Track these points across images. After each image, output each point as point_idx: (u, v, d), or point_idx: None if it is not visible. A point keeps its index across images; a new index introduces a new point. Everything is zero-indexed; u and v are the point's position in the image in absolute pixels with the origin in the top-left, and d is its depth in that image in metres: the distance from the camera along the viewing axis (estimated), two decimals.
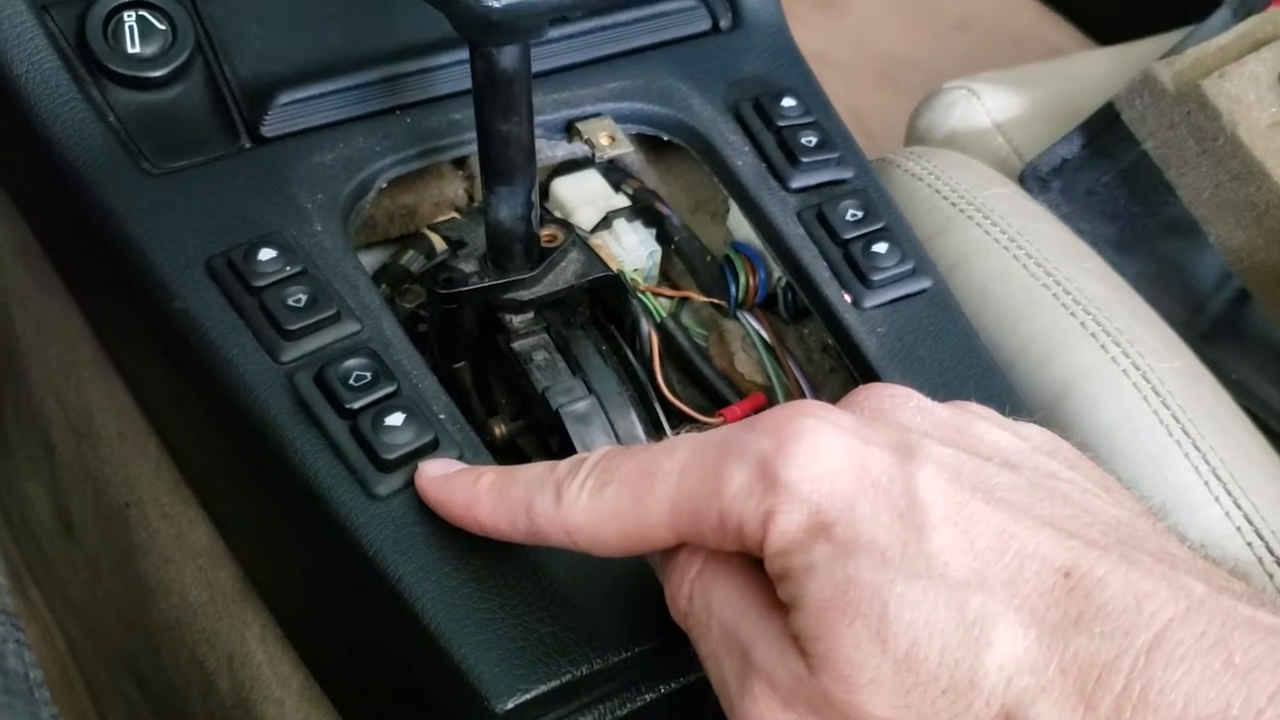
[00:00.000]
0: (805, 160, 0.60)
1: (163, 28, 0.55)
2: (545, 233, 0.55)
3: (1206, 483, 0.57)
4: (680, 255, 0.63)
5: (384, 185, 0.57)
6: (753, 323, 0.61)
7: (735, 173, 0.60)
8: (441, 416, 0.48)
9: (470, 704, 0.42)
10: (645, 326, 0.57)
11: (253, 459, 0.50)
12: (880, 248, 0.57)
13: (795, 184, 0.60)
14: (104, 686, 0.79)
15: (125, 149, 0.54)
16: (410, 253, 0.59)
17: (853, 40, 1.31)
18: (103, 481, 0.67)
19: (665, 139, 0.62)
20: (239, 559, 0.59)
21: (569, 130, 0.60)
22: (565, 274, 0.55)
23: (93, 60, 0.55)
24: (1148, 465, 0.58)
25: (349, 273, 0.52)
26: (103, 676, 0.79)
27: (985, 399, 0.42)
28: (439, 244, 0.59)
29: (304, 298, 0.49)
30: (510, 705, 0.42)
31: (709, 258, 0.63)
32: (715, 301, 0.62)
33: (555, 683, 0.43)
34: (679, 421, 0.57)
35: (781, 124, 0.61)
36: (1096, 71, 0.86)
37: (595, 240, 0.61)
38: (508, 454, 0.54)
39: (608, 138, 0.59)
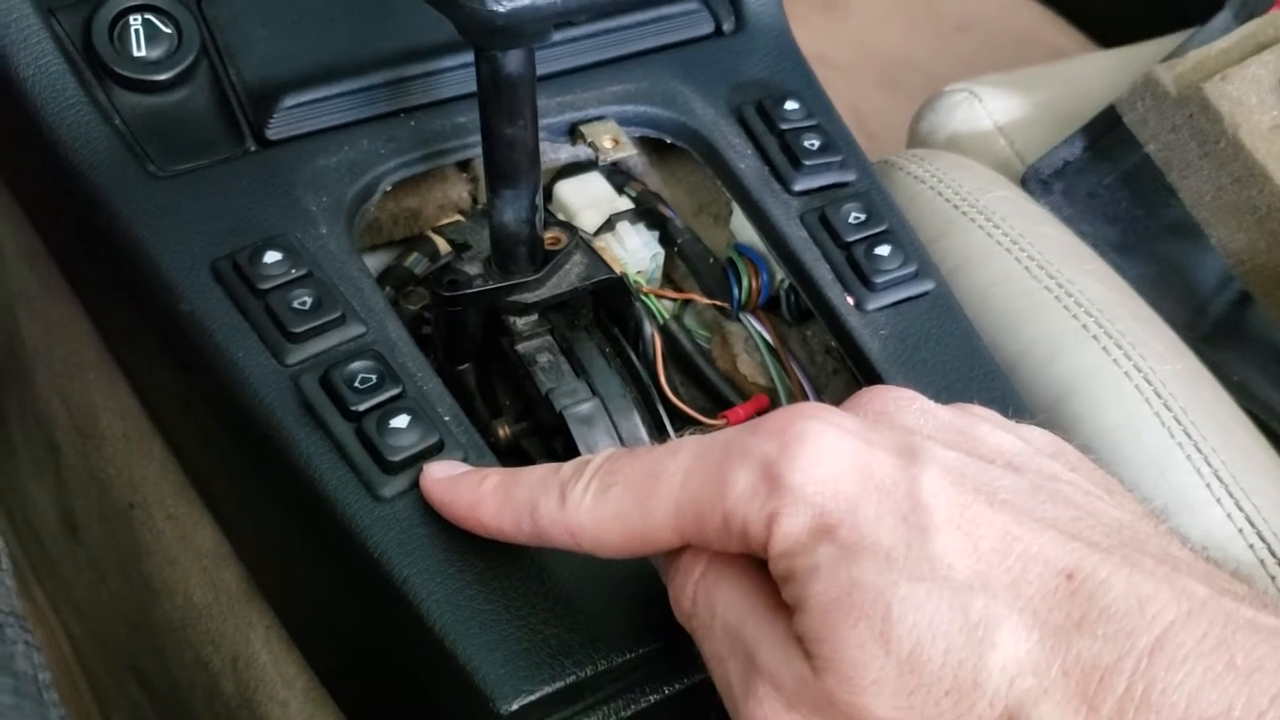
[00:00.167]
0: (808, 163, 0.60)
1: (168, 31, 0.56)
2: (549, 235, 0.55)
3: (1208, 485, 0.57)
4: (683, 257, 0.63)
5: (388, 188, 0.57)
6: (755, 325, 0.61)
7: (738, 175, 0.60)
8: (446, 418, 0.48)
9: (475, 705, 0.43)
10: (648, 329, 0.57)
11: (258, 461, 0.50)
12: (883, 250, 0.57)
13: (798, 187, 0.60)
14: (108, 687, 0.79)
15: (131, 152, 0.54)
16: (415, 255, 0.59)
17: (854, 42, 1.31)
18: (107, 482, 0.67)
19: (668, 142, 0.62)
20: (244, 560, 0.59)
21: (573, 133, 0.60)
22: (569, 276, 0.55)
23: (99, 63, 0.55)
24: (1150, 467, 0.58)
25: (354, 275, 0.52)
26: (107, 677, 0.79)
27: (988, 401, 0.42)
28: (443, 246, 0.59)
29: (309, 300, 0.50)
30: (515, 706, 0.42)
31: (712, 260, 0.63)
32: (718, 304, 0.62)
33: (560, 684, 0.43)
34: (682, 423, 0.57)
35: (784, 127, 0.61)
36: (1098, 74, 0.86)
37: (599, 243, 0.61)
38: (512, 456, 0.54)
39: (611, 141, 0.59)
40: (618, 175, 0.65)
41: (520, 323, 0.55)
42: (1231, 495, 0.57)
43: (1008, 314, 0.64)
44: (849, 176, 0.61)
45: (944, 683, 0.33)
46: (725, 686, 0.38)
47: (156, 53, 0.55)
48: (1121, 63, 0.87)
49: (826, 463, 0.36)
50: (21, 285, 0.70)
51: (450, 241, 0.59)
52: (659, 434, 0.55)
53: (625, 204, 0.63)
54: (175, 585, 0.63)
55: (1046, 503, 0.36)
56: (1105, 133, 0.78)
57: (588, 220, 0.62)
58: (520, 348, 0.54)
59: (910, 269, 0.57)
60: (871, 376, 0.55)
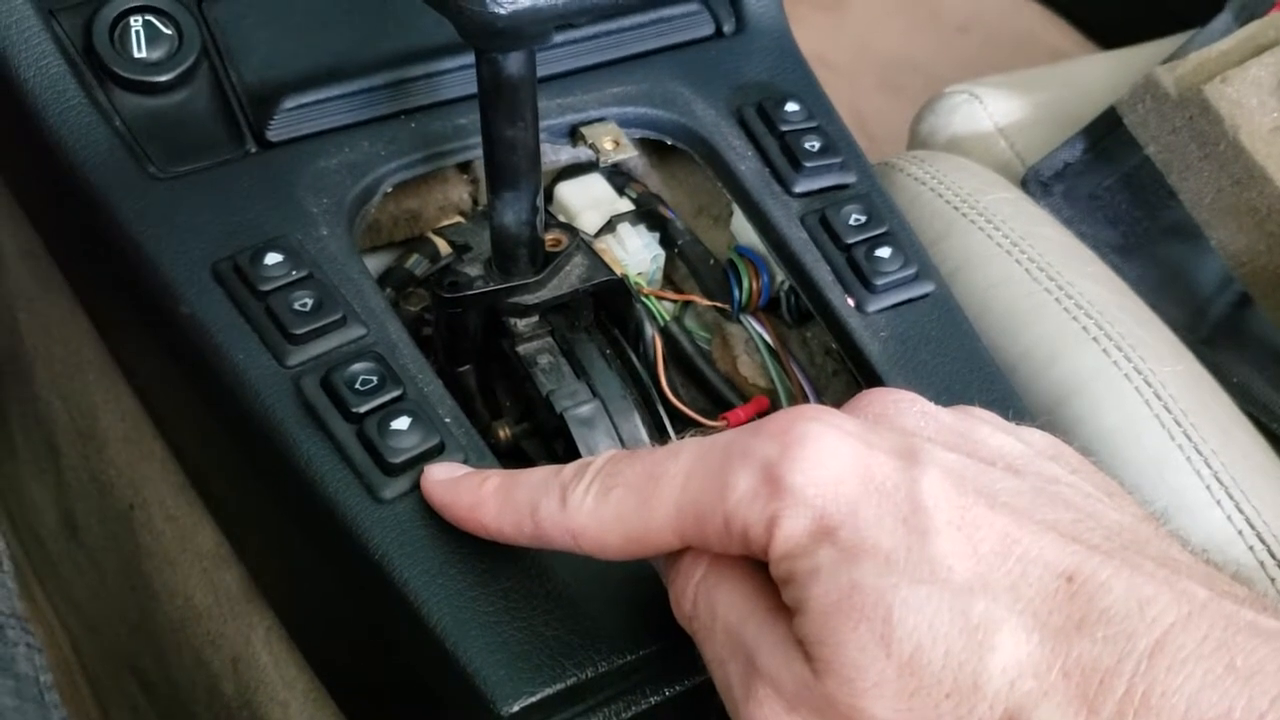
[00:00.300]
0: (808, 165, 0.60)
1: (169, 32, 0.56)
2: (549, 237, 0.55)
3: (1208, 486, 0.57)
4: (684, 259, 0.63)
5: (389, 189, 0.57)
6: (756, 326, 0.61)
7: (738, 177, 0.60)
8: (447, 420, 0.48)
9: (476, 706, 0.43)
10: (649, 330, 0.58)
11: (258, 462, 0.50)
12: (883, 252, 0.57)
13: (798, 188, 0.60)
14: (108, 688, 0.79)
15: (131, 153, 0.54)
16: (415, 257, 0.59)
17: (855, 43, 1.32)
18: (107, 484, 0.67)
19: (669, 143, 0.62)
20: (244, 561, 0.59)
21: (573, 135, 0.60)
22: (569, 278, 0.55)
23: (99, 65, 0.55)
24: (1150, 469, 0.58)
25: (354, 277, 0.52)
26: (107, 678, 0.79)
27: (988, 403, 0.42)
28: (444, 248, 0.59)
29: (310, 302, 0.50)
30: (516, 708, 0.42)
31: (712, 261, 0.63)
32: (718, 305, 0.62)
33: (560, 685, 0.43)
34: (683, 425, 0.57)
35: (785, 129, 0.61)
36: (1098, 76, 0.86)
37: (599, 244, 0.61)
38: (512, 457, 0.54)
39: (612, 142, 0.59)
40: (618, 177, 0.65)
41: (521, 324, 0.55)
42: (1231, 497, 0.57)
43: (1008, 316, 0.64)
44: (849, 178, 0.61)
45: (944, 685, 0.33)
46: (726, 689, 0.38)
47: (157, 54, 0.55)
48: (1122, 64, 0.87)
49: (827, 465, 0.36)
50: (20, 286, 0.70)
51: (451, 243, 0.59)
52: (659, 435, 0.55)
53: (626, 205, 0.63)
54: (176, 586, 0.63)
55: (1047, 505, 0.36)
56: (1106, 134, 0.78)
57: (588, 222, 0.62)
58: (521, 349, 0.54)
59: (910, 271, 0.57)
60: (872, 378, 0.55)
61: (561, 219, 0.62)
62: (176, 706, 0.67)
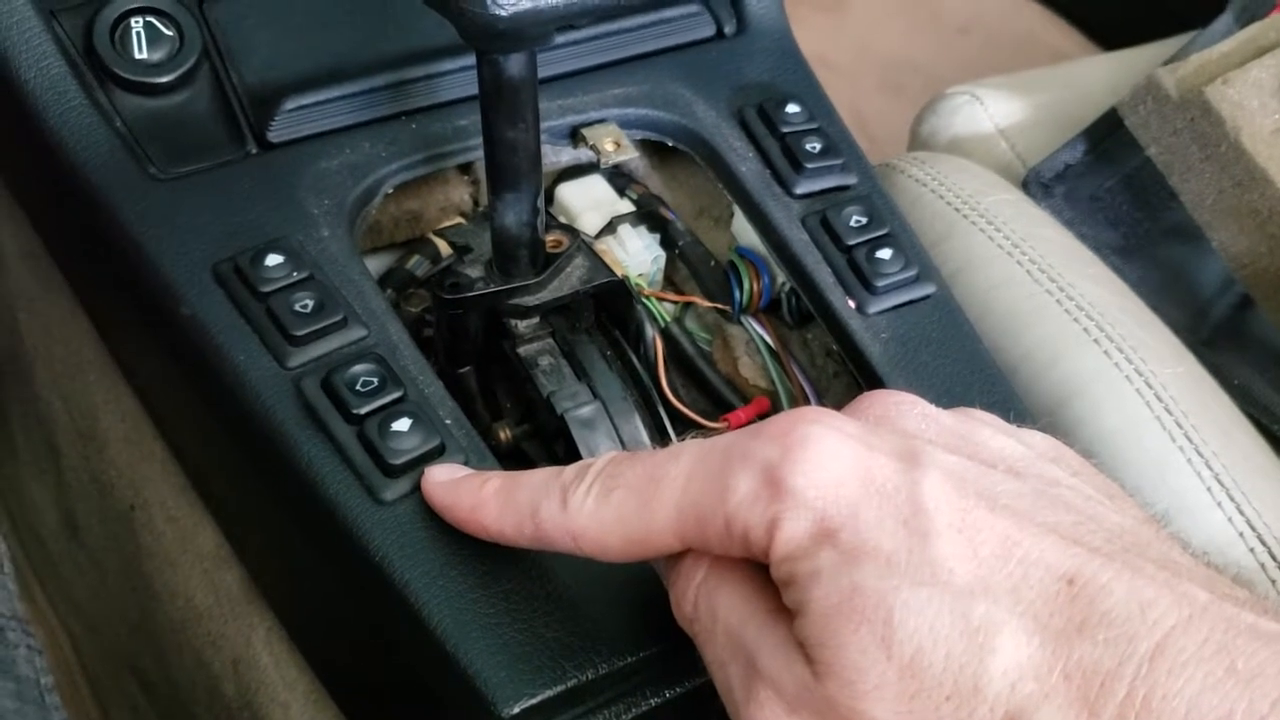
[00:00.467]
0: (809, 166, 0.60)
1: (170, 33, 0.56)
2: (550, 238, 0.55)
3: (1209, 489, 0.57)
4: (684, 260, 0.63)
5: (390, 190, 0.57)
6: (757, 328, 0.61)
7: (739, 178, 0.60)
8: (447, 421, 0.48)
9: (476, 708, 0.43)
10: (650, 331, 0.58)
11: (259, 463, 0.50)
12: (884, 254, 0.57)
13: (799, 190, 0.60)
14: (108, 689, 0.79)
15: (132, 154, 0.54)
16: (416, 258, 0.59)
17: (856, 44, 1.32)
18: (108, 484, 0.67)
19: (670, 145, 0.62)
20: (245, 562, 0.59)
21: (574, 136, 0.60)
22: (570, 279, 0.55)
23: (100, 66, 0.55)
24: (1151, 471, 0.58)
25: (355, 278, 0.52)
26: (107, 679, 0.79)
27: (989, 405, 0.42)
28: (444, 249, 0.59)
29: (311, 303, 0.50)
30: (516, 710, 0.42)
31: (713, 263, 0.63)
32: (719, 306, 0.62)
33: (561, 687, 0.43)
34: (683, 426, 0.57)
35: (785, 130, 0.61)
36: (1100, 77, 0.86)
37: (600, 245, 0.61)
38: (513, 459, 0.54)
39: (613, 143, 0.59)
40: (619, 178, 0.65)
41: (521, 325, 0.55)
42: (1233, 499, 0.57)
43: (1009, 317, 0.64)
44: (850, 179, 0.61)
45: (945, 688, 0.33)
46: (726, 691, 0.38)
47: (158, 55, 0.55)
48: (1123, 66, 0.87)
49: (828, 467, 0.36)
50: (21, 286, 0.70)
51: (451, 244, 0.59)
52: (660, 437, 0.55)
53: (626, 207, 0.63)
54: (176, 587, 0.63)
55: (1047, 508, 0.36)
56: (1107, 136, 0.78)
57: (589, 223, 0.62)
58: (521, 350, 0.54)
59: (911, 272, 0.57)
60: (873, 380, 0.55)
61: (562, 220, 0.62)
62: (177, 707, 0.67)
